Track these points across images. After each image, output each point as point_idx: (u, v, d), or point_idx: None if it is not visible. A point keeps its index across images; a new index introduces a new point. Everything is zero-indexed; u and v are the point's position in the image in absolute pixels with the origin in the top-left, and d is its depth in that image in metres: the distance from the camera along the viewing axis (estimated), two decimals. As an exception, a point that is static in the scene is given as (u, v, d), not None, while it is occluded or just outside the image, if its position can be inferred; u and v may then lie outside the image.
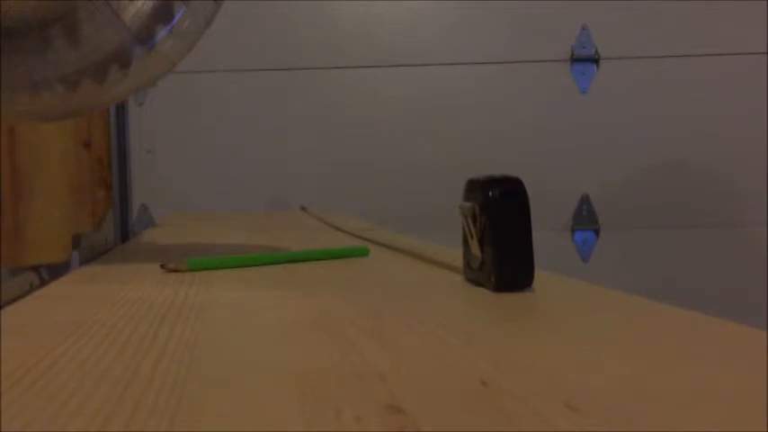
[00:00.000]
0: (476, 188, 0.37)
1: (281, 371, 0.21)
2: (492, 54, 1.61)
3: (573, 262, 1.61)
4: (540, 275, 0.39)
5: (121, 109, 0.79)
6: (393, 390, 0.19)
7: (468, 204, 0.38)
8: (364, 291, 0.37)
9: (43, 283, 0.46)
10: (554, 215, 1.60)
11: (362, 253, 0.53)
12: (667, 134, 1.61)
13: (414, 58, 1.62)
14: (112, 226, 0.72)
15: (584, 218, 1.62)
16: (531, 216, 0.36)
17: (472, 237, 0.37)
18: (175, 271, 0.43)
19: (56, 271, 0.48)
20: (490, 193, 0.36)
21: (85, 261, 0.54)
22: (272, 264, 0.47)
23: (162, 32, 0.40)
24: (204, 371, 0.21)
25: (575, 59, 1.56)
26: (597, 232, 1.62)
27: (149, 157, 1.58)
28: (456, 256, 0.50)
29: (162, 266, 0.43)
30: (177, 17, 0.41)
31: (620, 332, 0.27)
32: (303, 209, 1.30)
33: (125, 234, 0.79)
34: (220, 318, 0.30)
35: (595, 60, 1.57)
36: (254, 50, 1.61)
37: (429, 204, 1.55)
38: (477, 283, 0.38)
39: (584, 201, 1.62)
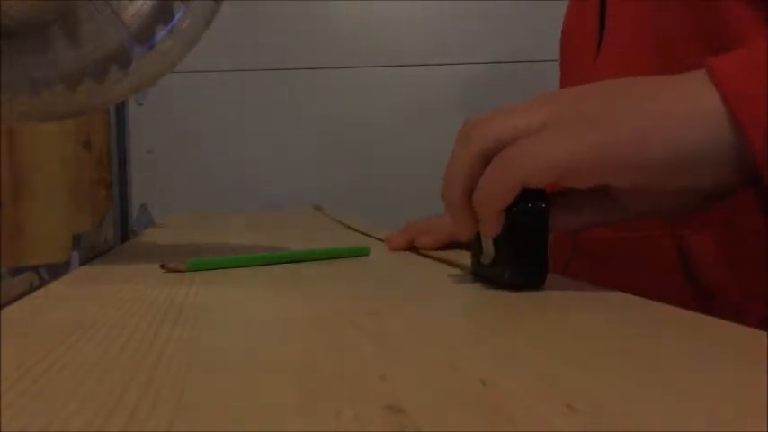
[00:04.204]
0: None
1: (281, 370, 0.21)
2: (492, 54, 1.61)
3: (573, 262, 1.61)
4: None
5: (121, 109, 0.79)
6: (393, 390, 0.19)
7: None
8: (364, 291, 0.37)
9: (43, 283, 0.46)
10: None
11: (363, 253, 0.53)
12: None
13: (414, 58, 1.62)
14: (112, 226, 0.72)
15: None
16: None
17: None
18: (175, 271, 0.43)
19: (56, 271, 0.48)
20: None
21: (85, 261, 0.54)
22: (272, 264, 0.47)
23: (162, 32, 0.40)
24: (204, 371, 0.21)
25: (575, 59, 1.56)
26: (597, 232, 1.61)
27: (149, 157, 1.58)
28: (458, 255, 0.50)
29: (162, 266, 0.43)
30: (177, 17, 0.41)
31: (619, 332, 0.27)
32: (318, 208, 1.30)
33: (125, 234, 0.79)
34: (220, 318, 0.30)
35: (595, 60, 1.57)
36: (254, 50, 1.61)
37: (429, 204, 1.55)
38: (486, 279, 0.38)
39: (585, 201, 1.61)
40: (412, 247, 0.57)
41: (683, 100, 0.32)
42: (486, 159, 0.35)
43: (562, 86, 0.68)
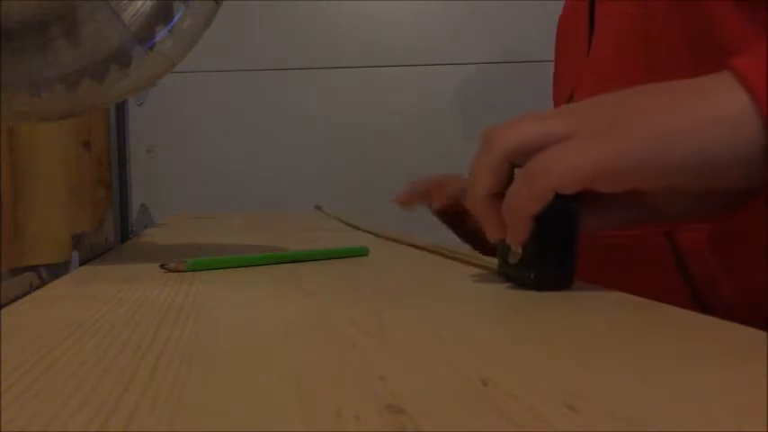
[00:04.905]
0: None
1: (281, 371, 0.21)
2: (492, 54, 1.61)
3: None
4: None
5: (121, 109, 0.79)
6: (393, 390, 0.19)
7: None
8: (364, 291, 0.37)
9: (43, 283, 0.46)
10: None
11: (362, 253, 0.53)
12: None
13: (414, 58, 1.62)
14: (112, 226, 0.72)
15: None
16: None
17: None
18: (175, 271, 0.43)
19: (56, 271, 0.48)
20: None
21: (85, 261, 0.54)
22: (272, 264, 0.47)
23: (162, 32, 0.40)
24: (204, 371, 0.21)
25: (575, 59, 1.56)
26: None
27: (149, 157, 1.58)
28: (459, 252, 0.50)
29: (162, 266, 0.43)
30: (177, 17, 0.41)
31: (619, 332, 0.27)
32: (318, 208, 1.30)
33: (125, 234, 0.79)
34: (220, 318, 0.30)
35: (595, 60, 1.57)
36: (254, 50, 1.61)
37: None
38: (511, 279, 0.38)
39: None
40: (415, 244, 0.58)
41: (709, 104, 0.32)
42: (511, 164, 0.35)
43: (554, 82, 0.68)
